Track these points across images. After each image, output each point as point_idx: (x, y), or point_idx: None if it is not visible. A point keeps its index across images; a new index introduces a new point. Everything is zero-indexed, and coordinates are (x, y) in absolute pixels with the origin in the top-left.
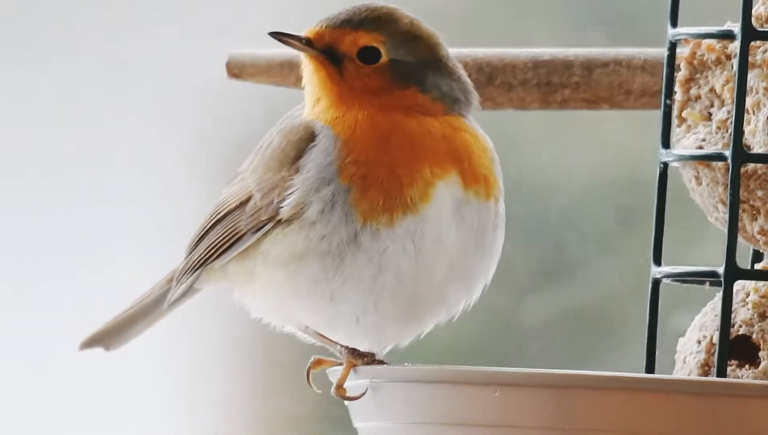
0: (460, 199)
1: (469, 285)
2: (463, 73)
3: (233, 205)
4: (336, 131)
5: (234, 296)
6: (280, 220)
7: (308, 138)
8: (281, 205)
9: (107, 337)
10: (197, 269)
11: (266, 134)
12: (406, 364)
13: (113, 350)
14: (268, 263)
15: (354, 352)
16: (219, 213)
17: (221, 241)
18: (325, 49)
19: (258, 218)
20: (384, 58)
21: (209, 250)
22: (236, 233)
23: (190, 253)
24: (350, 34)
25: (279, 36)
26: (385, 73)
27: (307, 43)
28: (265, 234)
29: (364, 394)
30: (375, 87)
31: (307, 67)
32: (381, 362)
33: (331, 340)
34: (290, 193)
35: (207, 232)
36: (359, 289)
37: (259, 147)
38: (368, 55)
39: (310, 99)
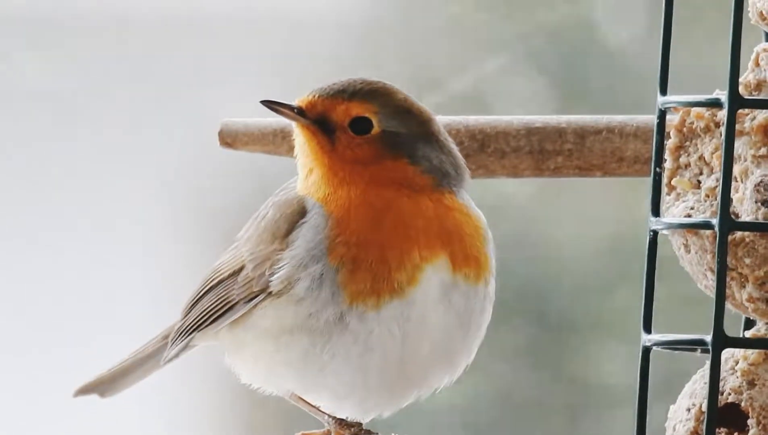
0: (448, 283)
1: (451, 363)
2: (454, 148)
3: (226, 274)
4: (328, 209)
5: (225, 361)
6: (270, 293)
7: (300, 212)
8: (271, 279)
9: (102, 385)
10: (190, 333)
11: (263, 203)
12: (393, 434)
13: (108, 397)
14: (258, 334)
15: (342, 422)
16: (213, 279)
17: (213, 308)
18: (317, 118)
19: (250, 289)
20: (376, 129)
21: (202, 316)
22: (228, 302)
23: (186, 315)
24: (343, 104)
25: (270, 104)
26: (376, 144)
27: (299, 113)
28: (257, 305)
29: None
30: (366, 157)
31: (299, 136)
32: (369, 432)
33: (319, 410)
34: (280, 268)
35: (201, 298)
36: (347, 365)
37: (256, 216)
38: (360, 125)
39: (303, 170)
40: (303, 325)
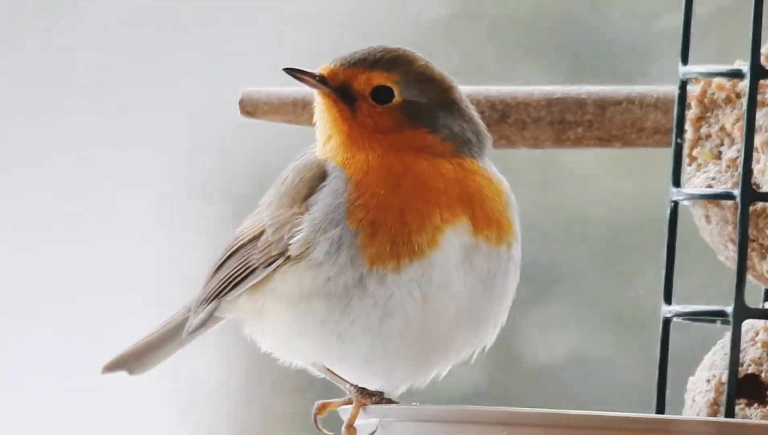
0: (469, 245)
1: (477, 329)
2: (476, 115)
3: (247, 239)
4: (348, 172)
5: (245, 330)
6: (289, 257)
7: (320, 176)
8: (290, 242)
9: (130, 362)
10: (212, 301)
11: (284, 169)
12: (414, 403)
13: (136, 374)
14: (278, 300)
15: (363, 391)
16: (234, 246)
17: (234, 273)
18: (339, 87)
19: (269, 253)
20: (397, 99)
21: (223, 283)
22: (248, 267)
23: (207, 283)
24: (364, 73)
25: (293, 72)
26: (397, 113)
27: (321, 81)
28: (275, 270)
29: (374, 433)
30: (386, 126)
31: (320, 104)
32: (390, 401)
33: (341, 378)
34: (299, 231)
35: (223, 264)
36: (367, 332)
37: (277, 181)
38: (382, 94)
39: (322, 136)
40: (321, 290)
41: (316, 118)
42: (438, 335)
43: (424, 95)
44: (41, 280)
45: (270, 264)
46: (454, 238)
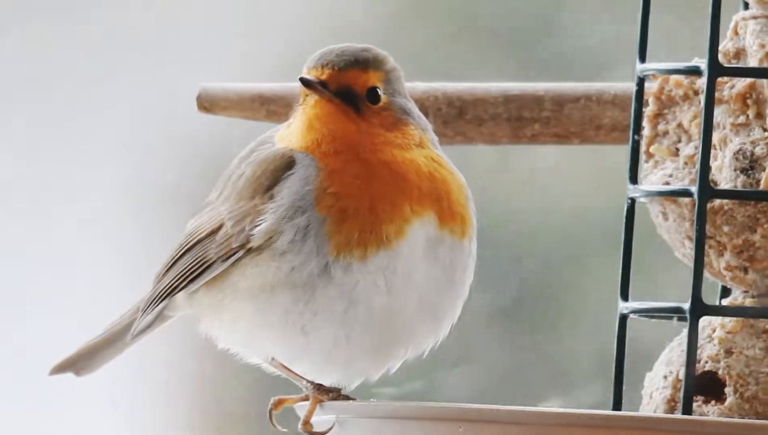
0: (434, 237)
1: (438, 322)
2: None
3: (204, 234)
4: (323, 163)
5: (201, 327)
6: (250, 249)
7: (285, 166)
8: (252, 233)
9: (77, 363)
10: (164, 299)
11: (233, 163)
12: (372, 400)
13: (83, 375)
14: (238, 294)
15: (320, 388)
16: (189, 242)
17: (190, 269)
18: (339, 90)
19: (228, 246)
20: (384, 98)
21: (177, 279)
22: (206, 261)
23: (158, 282)
24: (361, 76)
25: (306, 82)
26: (390, 111)
27: (322, 86)
28: (235, 264)
29: (330, 429)
30: (388, 124)
31: (319, 108)
32: (347, 398)
33: (297, 375)
34: (262, 221)
35: (176, 262)
36: (331, 322)
37: (229, 176)
38: (373, 95)
39: (303, 131)
40: (285, 281)
41: (303, 119)
42: (400, 326)
43: (397, 92)
44: None
45: (229, 257)
46: (420, 230)
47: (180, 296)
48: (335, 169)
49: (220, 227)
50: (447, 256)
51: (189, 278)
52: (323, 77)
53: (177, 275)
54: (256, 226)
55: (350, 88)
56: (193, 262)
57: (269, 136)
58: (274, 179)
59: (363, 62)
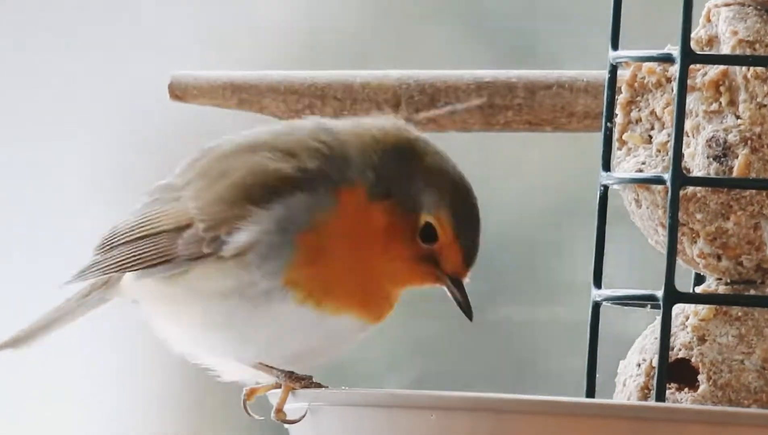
0: (357, 325)
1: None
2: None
3: (169, 227)
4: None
5: (142, 312)
6: (220, 256)
7: (287, 189)
8: (226, 241)
9: (17, 342)
10: (109, 272)
11: (205, 153)
12: (343, 387)
13: (20, 348)
14: (194, 292)
15: (292, 376)
16: (149, 228)
17: (149, 255)
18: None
19: (198, 248)
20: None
21: (130, 259)
22: (168, 255)
23: (102, 253)
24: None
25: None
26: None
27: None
28: (197, 261)
29: (303, 417)
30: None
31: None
32: (319, 385)
33: (268, 366)
34: (241, 231)
35: (129, 242)
36: (261, 338)
37: (202, 168)
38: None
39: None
40: (239, 291)
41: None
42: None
43: None
44: None
45: (197, 259)
46: (350, 321)
47: (124, 277)
48: (339, 220)
49: (188, 225)
50: (360, 335)
51: (145, 264)
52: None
53: (131, 256)
54: (231, 234)
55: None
56: (154, 250)
57: (261, 140)
58: (267, 195)
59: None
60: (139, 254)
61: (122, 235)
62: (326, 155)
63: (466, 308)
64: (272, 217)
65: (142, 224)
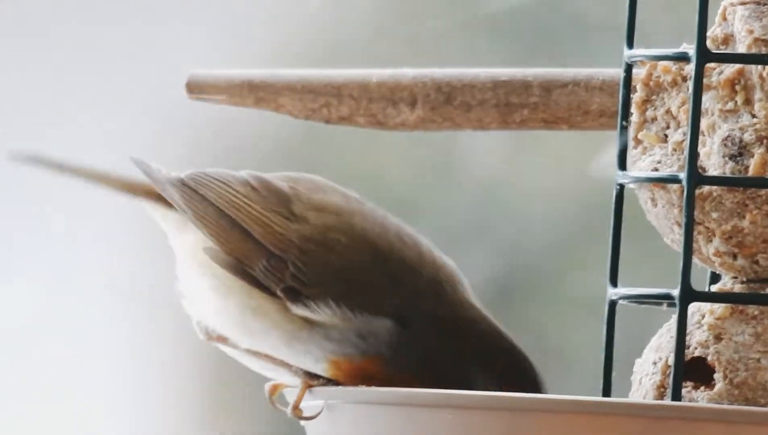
0: None
1: None
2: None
3: (263, 239)
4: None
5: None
6: (285, 305)
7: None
8: (307, 304)
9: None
10: (185, 205)
11: (328, 201)
12: (360, 385)
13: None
14: (245, 304)
15: (309, 373)
16: (242, 217)
17: (224, 237)
18: None
19: (272, 284)
20: None
21: (206, 222)
22: (244, 259)
23: (187, 187)
24: None
25: None
26: None
27: None
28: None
29: (319, 414)
30: None
31: None
32: (336, 383)
33: (285, 362)
34: (326, 309)
35: (215, 207)
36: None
37: (324, 224)
38: None
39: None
40: (285, 340)
41: None
42: None
43: None
44: None
45: (267, 290)
46: None
47: (187, 240)
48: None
49: (281, 258)
50: None
51: (217, 238)
52: None
53: (219, 228)
54: (317, 303)
55: None
56: (232, 239)
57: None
58: (372, 309)
59: None
60: (220, 231)
61: (217, 193)
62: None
63: None
64: (357, 327)
65: (239, 207)
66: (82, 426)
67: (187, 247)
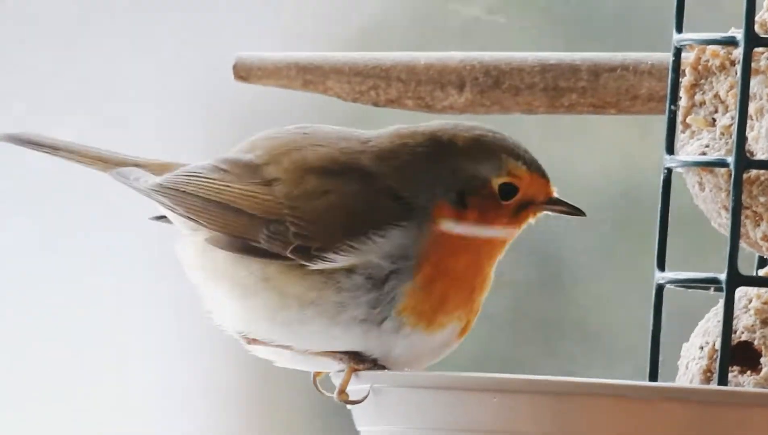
0: (454, 330)
1: None
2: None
3: (254, 211)
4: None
5: (196, 283)
6: (302, 265)
7: (392, 222)
8: (321, 256)
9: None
10: (173, 207)
11: (279, 143)
12: (406, 369)
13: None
14: (268, 285)
15: (356, 357)
16: (227, 199)
17: (221, 222)
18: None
19: (281, 249)
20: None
21: (198, 212)
22: (245, 234)
23: (175, 189)
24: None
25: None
26: None
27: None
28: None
29: (365, 398)
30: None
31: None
32: (382, 367)
33: (329, 352)
34: (343, 255)
35: (201, 197)
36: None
37: (289, 172)
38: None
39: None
40: (319, 309)
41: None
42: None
43: None
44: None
45: (279, 258)
46: (450, 328)
47: (187, 242)
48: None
49: (277, 222)
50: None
51: (211, 225)
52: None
53: (201, 208)
54: (327, 252)
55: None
56: (228, 218)
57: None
58: (376, 227)
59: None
60: (210, 215)
61: (195, 185)
62: (406, 178)
63: (575, 210)
64: (380, 249)
65: (220, 190)
66: (81, 426)
67: (198, 247)
